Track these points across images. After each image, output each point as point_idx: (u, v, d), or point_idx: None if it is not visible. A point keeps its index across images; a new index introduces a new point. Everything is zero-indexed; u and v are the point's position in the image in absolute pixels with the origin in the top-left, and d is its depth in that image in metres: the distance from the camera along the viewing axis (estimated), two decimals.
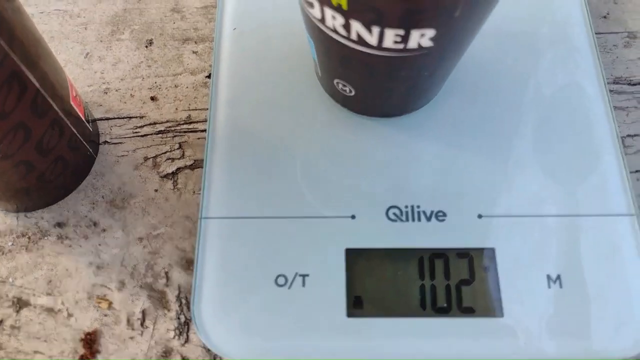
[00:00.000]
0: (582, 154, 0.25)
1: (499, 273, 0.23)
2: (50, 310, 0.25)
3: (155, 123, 0.29)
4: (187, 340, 0.25)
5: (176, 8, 0.32)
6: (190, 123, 0.29)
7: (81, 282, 0.26)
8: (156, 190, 0.27)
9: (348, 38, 0.19)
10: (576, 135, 0.26)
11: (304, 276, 0.23)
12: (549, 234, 0.24)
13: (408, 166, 0.25)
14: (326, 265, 0.23)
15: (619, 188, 0.25)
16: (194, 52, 0.31)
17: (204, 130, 0.29)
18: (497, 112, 0.26)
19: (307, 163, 0.25)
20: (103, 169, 0.28)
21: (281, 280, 0.23)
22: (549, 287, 0.23)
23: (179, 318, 0.25)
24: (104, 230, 0.27)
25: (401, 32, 0.18)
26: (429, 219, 0.24)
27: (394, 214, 0.24)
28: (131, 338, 0.25)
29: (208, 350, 0.25)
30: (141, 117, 0.29)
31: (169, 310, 0.25)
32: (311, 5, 0.19)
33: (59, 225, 0.27)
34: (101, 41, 0.31)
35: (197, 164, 0.28)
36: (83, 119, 0.26)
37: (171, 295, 0.25)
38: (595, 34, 0.29)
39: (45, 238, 0.26)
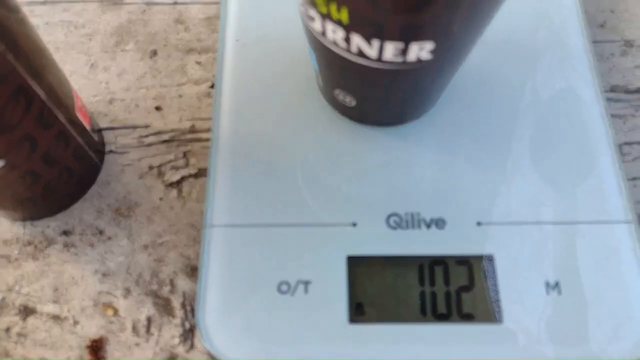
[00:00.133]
0: (580, 161, 0.26)
1: (498, 279, 0.23)
2: (56, 318, 0.26)
3: (160, 132, 0.29)
4: (191, 347, 0.25)
5: (180, 19, 0.33)
6: (194, 132, 0.29)
7: (87, 289, 0.26)
8: (161, 199, 0.28)
9: (348, 51, 0.19)
10: (574, 143, 0.26)
11: (306, 283, 0.24)
12: (547, 240, 0.24)
13: (408, 174, 0.26)
14: (328, 272, 0.24)
15: (616, 195, 0.25)
16: (197, 63, 0.31)
17: (208, 140, 0.29)
18: (495, 120, 0.27)
19: (309, 172, 0.26)
20: (109, 178, 0.28)
21: (284, 287, 0.24)
22: (548, 293, 0.23)
23: (183, 325, 0.26)
24: (109, 238, 0.27)
25: (401, 45, 0.18)
26: (428, 226, 0.24)
27: (394, 221, 0.25)
28: (136, 345, 0.25)
29: (212, 357, 0.25)
30: (146, 127, 0.30)
31: (173, 317, 0.26)
32: (312, 19, 0.19)
33: (65, 233, 0.27)
34: (106, 52, 0.32)
35: (201, 173, 0.28)
36: (88, 129, 0.27)
37: (176, 302, 0.26)
38: (593, 42, 0.29)
39: (52, 246, 0.27)
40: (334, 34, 0.19)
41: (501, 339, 0.23)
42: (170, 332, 0.25)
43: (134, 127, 0.30)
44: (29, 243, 0.27)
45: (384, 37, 0.18)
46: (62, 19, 0.33)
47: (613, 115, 0.29)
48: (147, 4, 0.33)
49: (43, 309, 0.26)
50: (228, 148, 0.26)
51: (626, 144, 0.29)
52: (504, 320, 0.23)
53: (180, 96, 0.30)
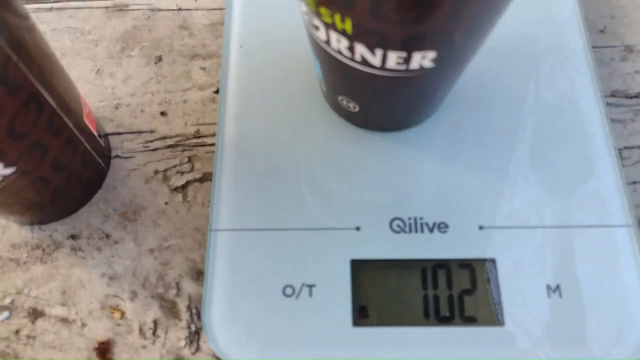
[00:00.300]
0: (581, 166, 0.26)
1: (500, 283, 0.24)
2: (64, 320, 0.26)
3: (165, 137, 0.30)
4: (197, 349, 0.26)
5: (184, 25, 0.33)
6: (199, 137, 0.30)
7: (94, 292, 0.26)
8: (166, 203, 0.28)
9: (352, 59, 0.20)
10: (574, 148, 0.26)
11: (310, 286, 0.24)
12: (548, 244, 0.24)
13: (410, 179, 0.26)
14: (332, 275, 0.24)
15: (617, 199, 0.25)
16: (202, 68, 0.32)
17: (213, 144, 0.30)
18: (496, 125, 0.27)
19: (313, 176, 0.26)
20: (115, 183, 0.29)
21: (289, 291, 0.24)
22: (549, 296, 0.23)
23: (189, 327, 0.26)
24: (116, 242, 0.27)
25: (403, 54, 0.18)
26: (431, 230, 0.25)
27: (398, 225, 0.25)
28: (143, 347, 0.26)
29: (218, 359, 0.25)
30: (151, 132, 0.30)
31: (179, 320, 0.26)
32: (317, 28, 0.20)
33: (73, 237, 0.28)
34: (112, 58, 0.32)
35: (206, 177, 0.29)
36: (95, 134, 0.27)
37: (182, 305, 0.26)
38: (593, 47, 0.30)
39: (59, 250, 0.27)
40: (338, 43, 0.19)
41: (503, 342, 0.23)
42: (176, 335, 0.26)
43: (140, 132, 0.30)
44: (37, 247, 0.27)
45: (387, 46, 0.18)
46: (69, 26, 0.33)
47: (613, 120, 0.29)
48: (152, 10, 0.33)
49: (51, 312, 0.26)
50: (233, 153, 0.27)
51: (626, 148, 0.29)
52: (506, 323, 0.23)
53: (185, 101, 0.31)
